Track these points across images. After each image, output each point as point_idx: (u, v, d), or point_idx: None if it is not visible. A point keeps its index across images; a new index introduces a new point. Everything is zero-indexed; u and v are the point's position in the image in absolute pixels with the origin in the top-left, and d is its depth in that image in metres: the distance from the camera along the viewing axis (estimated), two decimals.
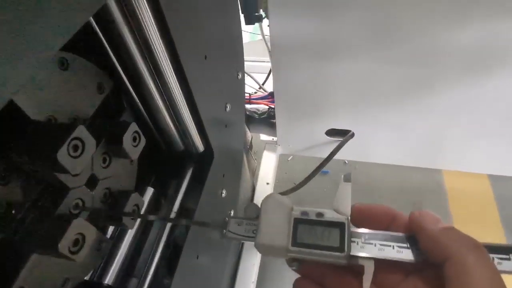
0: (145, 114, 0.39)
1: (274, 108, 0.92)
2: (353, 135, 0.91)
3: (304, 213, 0.24)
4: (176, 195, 0.42)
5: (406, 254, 0.22)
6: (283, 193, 0.99)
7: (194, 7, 0.36)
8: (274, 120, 0.95)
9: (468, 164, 0.90)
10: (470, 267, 0.18)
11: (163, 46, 0.32)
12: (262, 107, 1.01)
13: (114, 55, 0.32)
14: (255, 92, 1.07)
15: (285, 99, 0.86)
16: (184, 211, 0.42)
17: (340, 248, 0.22)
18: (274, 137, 0.99)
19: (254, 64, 1.22)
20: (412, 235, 0.22)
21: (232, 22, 0.49)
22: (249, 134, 0.88)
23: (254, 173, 0.93)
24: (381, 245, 0.22)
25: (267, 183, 0.92)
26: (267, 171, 0.94)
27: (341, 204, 0.24)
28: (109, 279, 0.35)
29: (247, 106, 0.99)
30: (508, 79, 0.68)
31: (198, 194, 0.43)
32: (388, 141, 0.90)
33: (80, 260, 0.24)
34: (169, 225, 0.41)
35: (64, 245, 0.23)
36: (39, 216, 0.25)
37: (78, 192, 0.27)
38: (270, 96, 1.00)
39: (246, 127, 0.85)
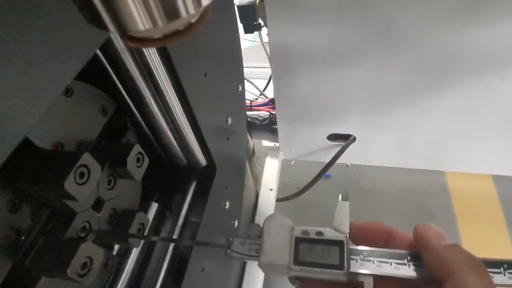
0: (148, 132, 0.40)
1: (275, 114, 0.93)
2: (354, 139, 0.91)
3: (305, 232, 0.24)
4: (180, 210, 0.43)
5: (403, 270, 0.22)
6: (286, 198, 1.00)
7: None
8: (275, 126, 0.95)
9: (472, 165, 0.90)
10: (470, 286, 0.18)
11: (163, 68, 0.33)
12: (263, 113, 1.02)
13: (116, 77, 0.33)
14: (256, 99, 1.08)
15: (286, 105, 0.87)
16: (189, 225, 0.43)
17: (340, 266, 0.23)
18: (276, 143, 1.00)
19: (254, 70, 1.23)
20: (415, 253, 0.22)
21: (231, 37, 0.50)
22: (251, 142, 0.89)
23: (257, 180, 0.93)
24: (379, 261, 0.23)
25: (271, 189, 0.93)
26: (270, 177, 0.95)
27: (340, 222, 0.24)
28: None
29: (248, 113, 1.00)
30: (510, 81, 0.68)
31: (202, 207, 0.43)
32: (390, 144, 0.90)
33: (88, 283, 0.25)
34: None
35: (72, 269, 0.24)
36: (48, 241, 0.26)
37: (85, 215, 0.28)
38: (271, 102, 1.00)
39: (248, 134, 0.86)
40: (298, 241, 0.24)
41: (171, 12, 0.10)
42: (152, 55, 0.31)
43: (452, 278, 0.19)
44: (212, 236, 0.45)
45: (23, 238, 0.25)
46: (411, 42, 0.65)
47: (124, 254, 0.39)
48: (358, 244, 0.24)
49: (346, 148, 0.90)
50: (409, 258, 0.22)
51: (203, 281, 0.44)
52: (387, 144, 0.90)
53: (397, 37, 0.65)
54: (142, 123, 0.39)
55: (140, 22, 0.10)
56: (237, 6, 0.76)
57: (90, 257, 0.25)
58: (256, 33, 0.86)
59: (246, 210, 0.74)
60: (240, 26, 0.78)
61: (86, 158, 0.25)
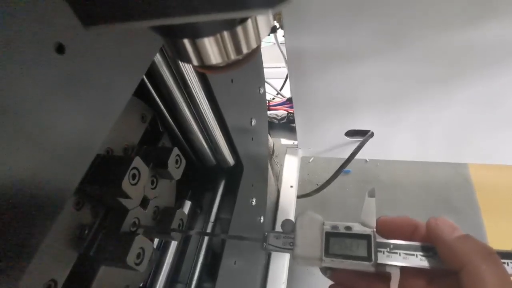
0: (179, 135, 0.43)
1: (293, 113, 0.94)
2: (372, 134, 0.92)
3: (334, 227, 0.27)
4: (212, 207, 0.46)
5: (428, 262, 0.24)
6: (307, 195, 1.02)
7: None
8: (293, 125, 0.97)
9: (494, 156, 0.89)
10: (483, 275, 0.19)
11: (196, 79, 0.36)
12: (281, 112, 1.04)
13: (152, 87, 0.37)
14: (273, 98, 1.10)
15: (303, 104, 0.88)
16: (219, 221, 0.46)
17: (368, 258, 0.25)
18: (294, 141, 1.02)
19: (270, 71, 1.24)
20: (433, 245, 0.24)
21: None
22: (270, 140, 0.91)
23: (278, 178, 0.96)
24: (405, 254, 0.25)
25: (291, 186, 0.95)
26: (290, 175, 0.97)
27: (367, 217, 0.26)
28: (159, 285, 0.39)
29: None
30: None
31: (232, 204, 0.46)
32: (409, 138, 0.90)
33: (142, 270, 0.29)
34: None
35: (130, 258, 0.27)
36: (107, 234, 0.29)
37: (135, 212, 0.32)
38: (289, 101, 1.02)
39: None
40: (328, 235, 0.26)
41: (237, 51, 0.13)
42: (187, 68, 0.34)
43: (466, 268, 0.20)
44: (242, 231, 0.48)
45: (86, 232, 0.28)
46: (426, 35, 0.65)
47: (162, 249, 0.42)
48: (385, 238, 0.26)
49: (364, 143, 0.91)
50: (433, 250, 0.24)
51: (234, 273, 0.47)
52: (406, 138, 0.90)
53: (412, 31, 0.65)
54: (174, 127, 0.42)
55: (213, 58, 0.13)
56: None
57: (143, 248, 0.29)
58: (271, 34, 0.88)
59: (269, 207, 0.77)
60: None
61: (137, 161, 0.28)
